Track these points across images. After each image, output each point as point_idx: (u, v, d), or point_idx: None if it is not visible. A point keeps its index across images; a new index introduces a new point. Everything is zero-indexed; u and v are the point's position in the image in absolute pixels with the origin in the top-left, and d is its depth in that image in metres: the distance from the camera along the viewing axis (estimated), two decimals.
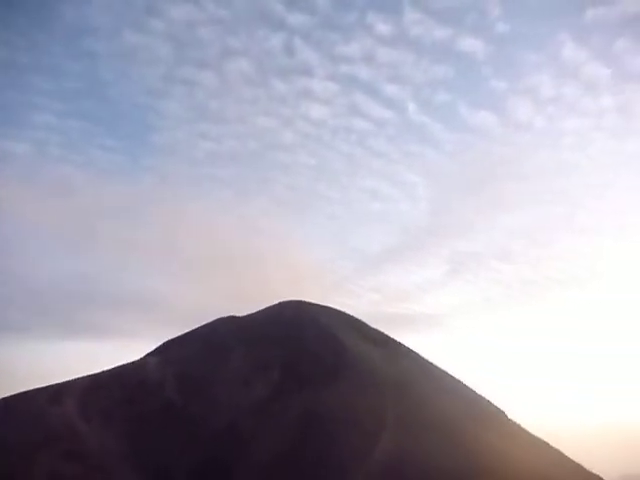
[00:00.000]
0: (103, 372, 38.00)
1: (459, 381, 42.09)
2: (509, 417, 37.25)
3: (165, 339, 44.00)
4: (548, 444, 33.70)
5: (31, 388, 34.99)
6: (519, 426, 35.57)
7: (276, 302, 48.66)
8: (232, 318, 46.05)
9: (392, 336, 47.36)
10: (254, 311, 47.47)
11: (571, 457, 33.50)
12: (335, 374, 34.26)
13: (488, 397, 40.15)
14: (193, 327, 45.91)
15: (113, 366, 38.95)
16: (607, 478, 32.67)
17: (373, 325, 48.77)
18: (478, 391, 41.04)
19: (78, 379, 36.66)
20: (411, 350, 45.91)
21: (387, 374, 35.84)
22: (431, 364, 44.02)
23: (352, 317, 49.37)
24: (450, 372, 43.23)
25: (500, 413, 37.53)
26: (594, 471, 33.16)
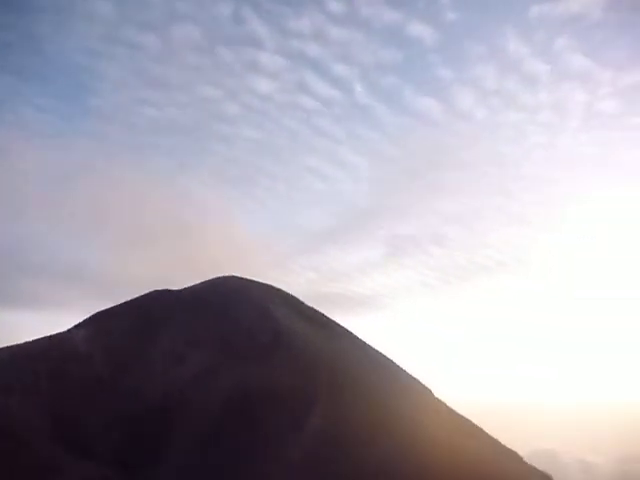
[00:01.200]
0: (27, 343, 36.40)
1: (392, 361, 43.39)
2: (436, 396, 38.87)
3: (96, 311, 42.69)
4: (470, 421, 35.47)
5: None
6: (445, 404, 37.19)
7: (212, 277, 48.13)
8: (167, 291, 45.15)
9: (328, 315, 48.05)
10: (190, 285, 46.79)
11: (489, 433, 35.51)
12: (269, 351, 34.39)
13: (418, 376, 41.76)
14: (126, 299, 44.75)
15: (38, 337, 37.43)
16: (521, 453, 34.81)
17: (310, 304, 49.28)
18: (409, 370, 42.56)
19: (1, 350, 35.02)
20: (346, 330, 46.78)
21: (321, 353, 36.37)
22: (366, 344, 45.07)
23: (289, 295, 49.59)
24: (384, 352, 44.50)
25: (427, 392, 39.10)
26: (509, 446, 35.34)
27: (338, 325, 47.37)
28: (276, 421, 27.65)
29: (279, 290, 50.41)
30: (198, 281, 48.10)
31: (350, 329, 47.24)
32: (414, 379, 41.26)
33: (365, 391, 31.77)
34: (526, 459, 34.63)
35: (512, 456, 34.01)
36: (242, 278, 48.28)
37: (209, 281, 47.57)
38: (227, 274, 48.75)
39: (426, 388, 39.85)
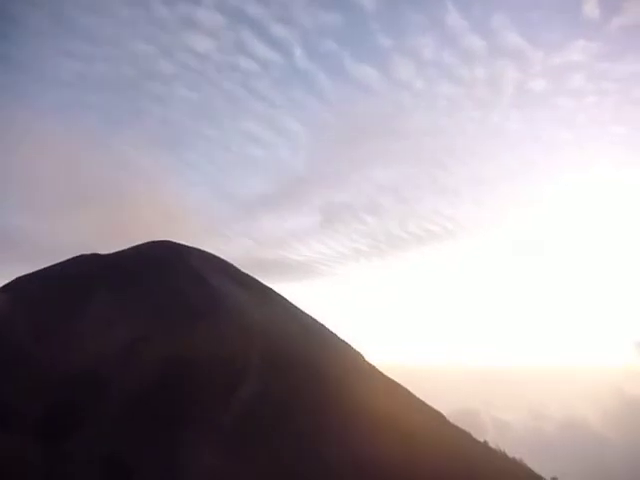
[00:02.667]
0: None
1: (325, 327, 44.24)
2: (367, 359, 40.15)
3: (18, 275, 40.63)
4: (398, 383, 36.98)
5: None
6: (375, 368, 38.50)
7: (144, 242, 46.77)
8: (95, 256, 43.48)
9: (263, 282, 48.09)
10: (120, 249, 45.25)
11: (416, 394, 37.20)
12: (203, 317, 34.10)
13: (350, 341, 42.89)
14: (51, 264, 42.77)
15: None
16: (444, 412, 36.76)
17: (245, 271, 49.06)
18: (341, 336, 43.60)
19: None
20: (281, 296, 47.07)
21: (255, 318, 36.48)
22: (300, 310, 45.61)
23: (223, 261, 49.12)
24: (317, 318, 45.24)
25: (359, 356, 40.29)
26: (435, 406, 37.23)
27: (273, 292, 47.55)
28: (210, 387, 27.61)
29: (213, 256, 49.75)
30: (128, 246, 46.58)
31: (285, 296, 47.63)
32: (346, 344, 42.33)
33: (298, 356, 32.30)
34: (449, 418, 36.62)
35: (436, 415, 35.86)
36: (176, 244, 47.21)
37: (141, 246, 46.14)
38: (159, 239, 47.52)
39: (357, 352, 41.04)
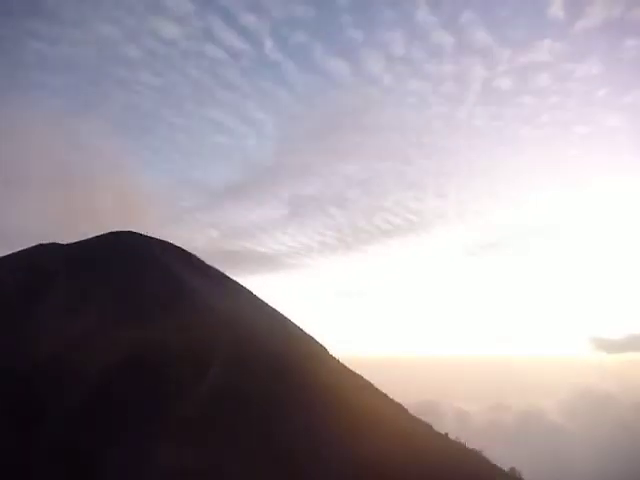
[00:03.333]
0: None
1: (289, 320, 44.30)
2: (330, 352, 40.40)
3: None
4: (361, 376, 37.36)
5: None
6: (338, 361, 38.78)
7: (106, 231, 45.88)
8: (56, 245, 42.47)
9: (228, 273, 47.85)
10: (82, 239, 44.30)
11: (377, 386, 37.65)
12: (168, 308, 33.79)
13: (315, 334, 43.08)
14: (8, 252, 41.60)
15: None
16: (406, 404, 37.29)
17: (209, 261, 48.72)
18: (306, 328, 43.74)
19: None
20: (246, 288, 46.94)
21: (220, 309, 36.30)
22: (264, 302, 45.56)
23: (188, 252, 48.65)
24: (281, 310, 45.26)
25: (322, 349, 40.50)
26: (395, 399, 37.74)
27: (238, 283, 47.37)
28: (174, 379, 27.39)
29: (177, 247, 49.20)
30: (90, 235, 45.63)
31: (250, 287, 47.52)
32: (310, 337, 42.51)
33: (262, 348, 32.29)
34: (411, 410, 37.17)
35: (398, 408, 36.37)
36: (139, 234, 46.46)
37: (103, 236, 45.22)
38: (122, 229, 46.70)
39: (321, 345, 41.26)
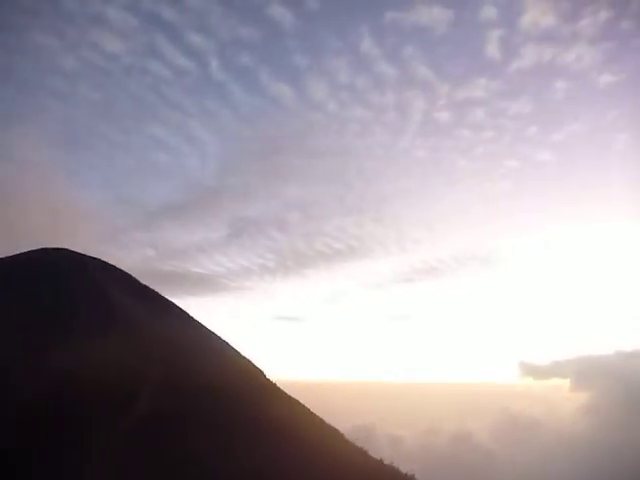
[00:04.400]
0: None
1: (226, 342, 43.69)
2: (266, 375, 40.08)
3: None
4: (297, 400, 37.28)
5: None
6: (274, 384, 38.53)
7: (37, 248, 43.97)
8: None
9: (164, 294, 46.79)
10: (7, 255, 42.18)
11: (314, 410, 37.65)
12: (99, 329, 32.59)
13: (251, 357, 42.64)
14: None
15: None
16: (341, 429, 37.43)
17: (145, 281, 47.49)
18: (243, 352, 43.23)
19: None
20: (182, 310, 46.01)
21: (154, 332, 35.38)
22: (201, 325, 44.77)
23: (122, 271, 47.26)
24: (218, 333, 44.60)
25: (259, 372, 40.15)
26: (331, 423, 37.82)
27: (174, 305, 46.36)
28: (102, 404, 26.30)
29: (111, 265, 47.66)
30: (18, 252, 43.57)
31: (186, 309, 46.58)
32: (247, 360, 42.05)
33: (197, 372, 31.70)
34: (346, 435, 37.31)
35: (333, 433, 36.44)
36: (70, 250, 44.80)
37: (32, 252, 43.30)
38: (54, 246, 44.90)
39: (258, 368, 40.88)
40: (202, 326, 44.40)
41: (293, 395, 38.15)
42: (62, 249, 44.15)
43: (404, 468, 35.91)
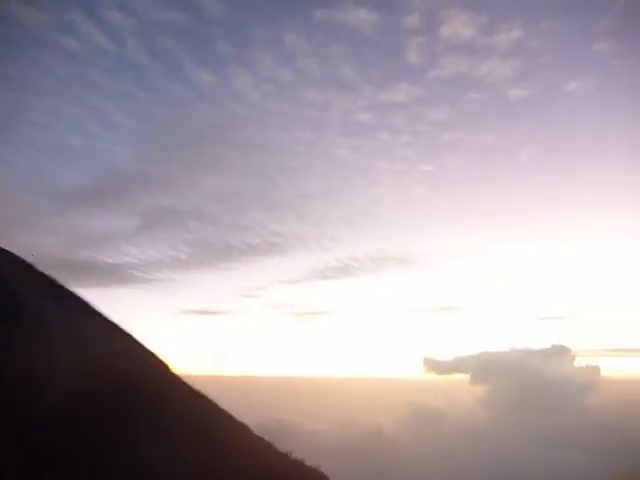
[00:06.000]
0: None
1: (133, 336, 42.59)
2: (173, 369, 39.66)
3: None
4: (205, 395, 37.25)
5: None
6: (181, 378, 38.24)
7: None
8: None
9: (71, 284, 44.88)
10: None
11: (228, 404, 37.76)
12: (2, 322, 30.94)
13: (159, 352, 41.92)
14: None
15: None
16: (257, 422, 37.89)
17: (51, 271, 45.34)
18: (151, 346, 42.39)
19: None
20: (89, 301, 44.37)
21: (61, 325, 34.01)
22: (107, 317, 43.36)
23: (26, 260, 44.89)
24: (127, 326, 43.40)
25: (165, 366, 39.66)
26: (243, 418, 38.10)
27: (81, 296, 44.61)
28: (6, 400, 25.14)
29: (14, 254, 45.06)
30: None
31: (94, 300, 44.90)
32: (155, 355, 41.29)
33: (107, 366, 30.96)
34: (261, 429, 37.75)
35: (241, 428, 36.78)
36: None
37: None
38: None
39: (165, 364, 40.36)
40: (109, 318, 43.13)
41: (203, 390, 38.03)
42: None
43: (318, 462, 36.98)
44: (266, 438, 38.26)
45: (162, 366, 39.45)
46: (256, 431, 38.63)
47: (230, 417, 35.79)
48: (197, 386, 38.04)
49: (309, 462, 36.80)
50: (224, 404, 37.30)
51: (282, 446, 38.41)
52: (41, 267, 45.59)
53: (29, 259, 45.20)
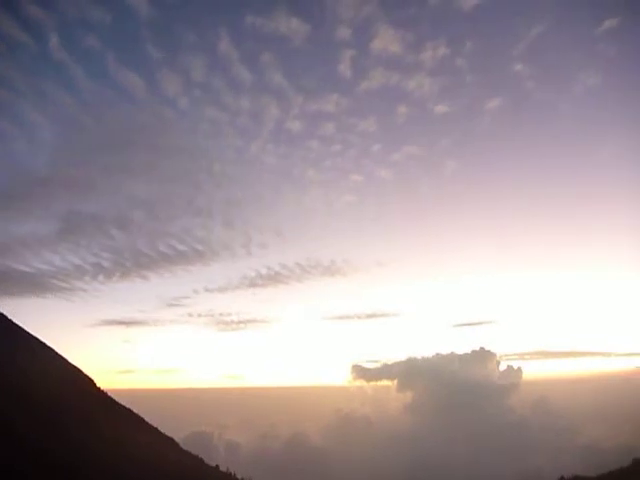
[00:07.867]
0: None
1: (52, 348, 39.95)
2: (96, 384, 37.44)
3: None
4: (131, 410, 35.41)
5: None
6: (106, 393, 36.20)
7: None
8: None
9: None
10: None
11: (149, 419, 36.06)
12: None
13: (79, 364, 39.48)
14: None
15: None
16: (181, 435, 36.32)
17: None
18: (70, 358, 39.84)
19: None
20: (1, 312, 41.05)
21: None
22: (23, 328, 40.32)
23: None
24: (44, 338, 40.66)
25: (89, 382, 37.38)
26: (167, 432, 36.50)
27: None
28: None
29: None
30: None
31: (7, 311, 41.62)
32: (76, 368, 38.83)
33: (17, 384, 28.41)
34: (185, 442, 36.21)
35: (168, 441, 35.18)
36: None
37: None
38: None
39: (88, 378, 38.07)
40: (24, 330, 39.98)
41: (127, 404, 36.07)
42: None
43: (241, 473, 35.98)
44: (192, 452, 36.93)
45: (84, 381, 37.00)
46: (181, 445, 37.19)
47: (156, 431, 34.10)
48: (122, 401, 36.01)
49: (236, 474, 35.79)
50: (146, 417, 35.53)
51: (206, 459, 37.14)
52: None
53: None
